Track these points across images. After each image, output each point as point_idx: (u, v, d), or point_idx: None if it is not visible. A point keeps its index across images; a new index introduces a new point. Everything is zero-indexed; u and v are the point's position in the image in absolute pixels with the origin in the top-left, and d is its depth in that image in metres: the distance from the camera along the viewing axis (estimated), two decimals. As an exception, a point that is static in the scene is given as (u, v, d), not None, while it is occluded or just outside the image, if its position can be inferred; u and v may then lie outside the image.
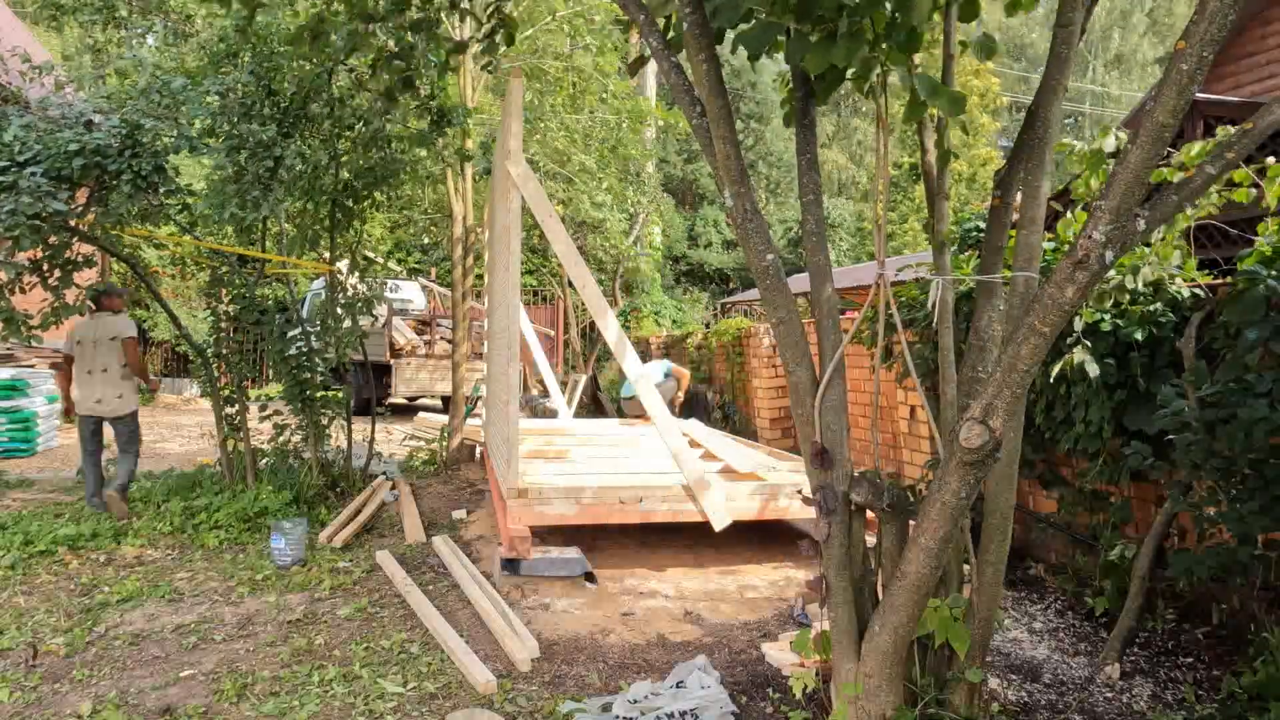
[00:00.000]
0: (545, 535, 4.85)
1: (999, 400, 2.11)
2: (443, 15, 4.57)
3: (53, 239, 5.38)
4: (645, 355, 13.55)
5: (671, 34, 2.92)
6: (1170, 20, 35.10)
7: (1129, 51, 34.92)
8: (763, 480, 5.01)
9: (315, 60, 5.78)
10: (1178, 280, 3.81)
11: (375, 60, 4.21)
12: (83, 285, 5.79)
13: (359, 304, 6.92)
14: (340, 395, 6.94)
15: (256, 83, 6.00)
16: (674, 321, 20.63)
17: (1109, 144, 3.45)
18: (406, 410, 13.98)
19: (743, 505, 4.82)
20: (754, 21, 2.40)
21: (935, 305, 2.82)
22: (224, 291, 6.43)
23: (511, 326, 5.15)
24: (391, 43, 4.24)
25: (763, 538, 5.27)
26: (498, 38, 4.06)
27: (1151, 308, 3.73)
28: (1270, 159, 3.41)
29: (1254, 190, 3.46)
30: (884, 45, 2.39)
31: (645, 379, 4.80)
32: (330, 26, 4.12)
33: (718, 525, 4.59)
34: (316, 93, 6.16)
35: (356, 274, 7.29)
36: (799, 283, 10.39)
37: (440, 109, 6.40)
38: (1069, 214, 3.99)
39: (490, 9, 4.01)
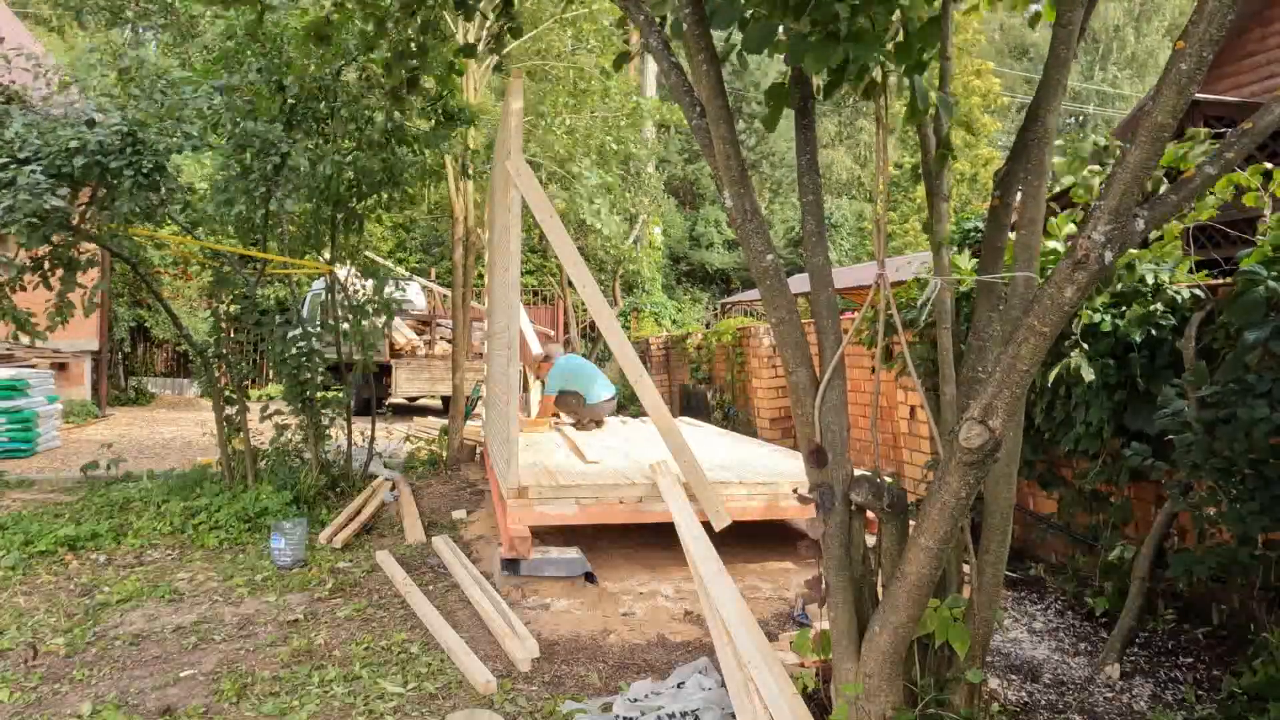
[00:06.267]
0: (545, 535, 4.85)
1: (999, 400, 2.11)
2: (446, 15, 4.57)
3: (56, 238, 5.39)
4: (645, 355, 13.55)
5: (670, 31, 2.91)
6: (1183, 23, 35.05)
7: (1144, 52, 34.86)
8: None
9: (323, 59, 5.78)
10: (1177, 280, 3.81)
11: (391, 60, 4.21)
12: (86, 285, 5.80)
13: (377, 304, 6.90)
14: (340, 395, 6.95)
15: (264, 80, 6.00)
16: (674, 322, 20.65)
17: (1087, 149, 3.46)
18: (406, 410, 13.99)
19: (743, 505, 4.82)
20: (752, 23, 2.40)
21: (926, 304, 2.81)
22: (225, 292, 6.43)
23: (511, 326, 5.15)
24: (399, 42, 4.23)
25: (763, 538, 5.27)
26: (506, 36, 4.07)
27: (1152, 308, 3.73)
28: (1267, 164, 3.41)
29: (1260, 194, 3.47)
30: (887, 45, 2.39)
31: (646, 380, 4.79)
32: (337, 28, 4.12)
33: (718, 525, 4.59)
34: (324, 91, 6.16)
35: (363, 275, 7.28)
36: (799, 283, 10.39)
37: (446, 109, 6.41)
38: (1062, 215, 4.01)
39: (497, 8, 4.01)
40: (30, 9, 16.64)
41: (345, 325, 7.01)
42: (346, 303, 7.03)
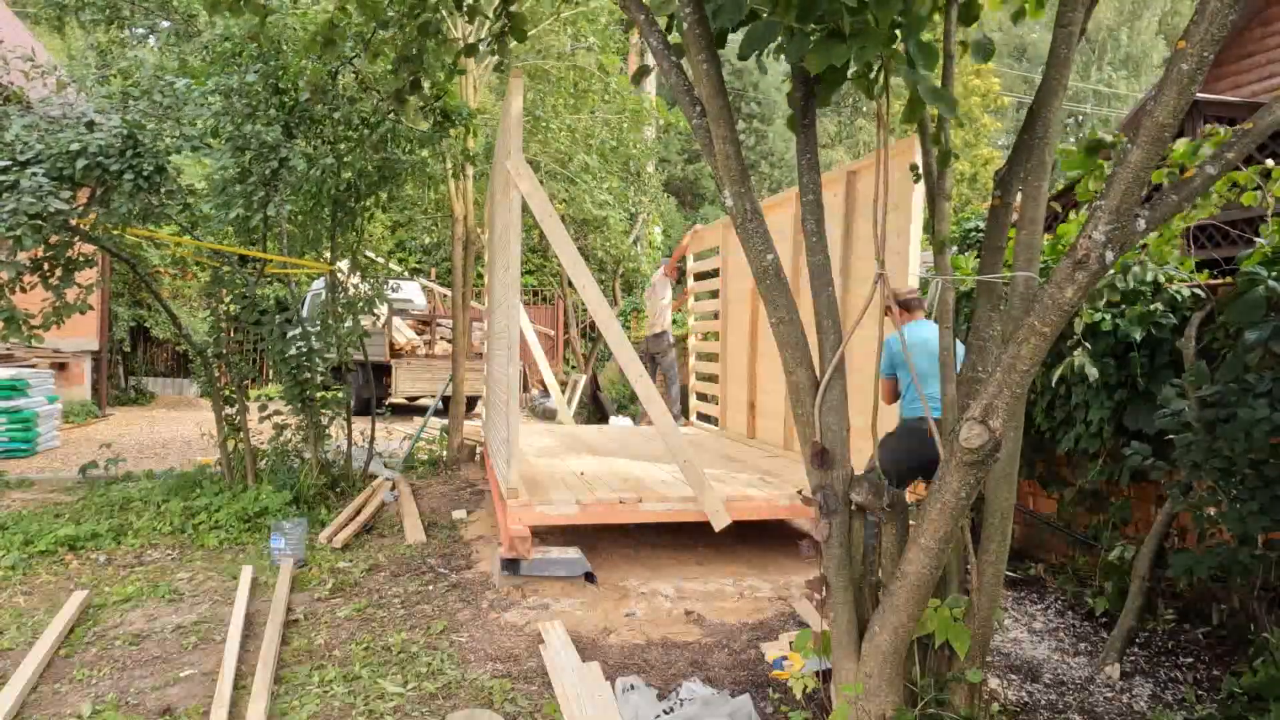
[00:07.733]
0: (545, 535, 4.85)
1: (999, 400, 2.12)
2: (448, 17, 4.56)
3: (54, 238, 5.38)
4: (645, 356, 13.54)
5: (672, 36, 2.91)
6: (1178, 21, 35.11)
7: (1139, 51, 34.88)
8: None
9: (323, 61, 5.78)
10: (1177, 280, 3.82)
11: (395, 63, 4.21)
12: (84, 285, 5.79)
13: (360, 303, 6.92)
14: (340, 395, 6.95)
15: (262, 82, 6.00)
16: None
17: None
18: (406, 410, 13.97)
19: (744, 505, 4.82)
20: (756, 21, 2.40)
21: (934, 304, 2.82)
22: (224, 291, 6.43)
23: (511, 326, 5.15)
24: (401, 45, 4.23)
25: (764, 538, 5.27)
26: (508, 37, 4.06)
27: (1152, 308, 3.73)
28: (1269, 160, 3.41)
29: (1258, 193, 3.47)
30: (893, 45, 2.38)
31: (645, 380, 4.79)
32: (341, 33, 4.12)
33: (718, 525, 4.59)
34: (322, 93, 6.16)
35: (358, 274, 7.29)
36: (799, 283, 10.36)
37: (444, 110, 6.41)
38: (1072, 214, 4.00)
39: (499, 8, 4.00)
40: (29, 8, 16.63)
41: (348, 323, 7.01)
42: (344, 301, 7.03)
